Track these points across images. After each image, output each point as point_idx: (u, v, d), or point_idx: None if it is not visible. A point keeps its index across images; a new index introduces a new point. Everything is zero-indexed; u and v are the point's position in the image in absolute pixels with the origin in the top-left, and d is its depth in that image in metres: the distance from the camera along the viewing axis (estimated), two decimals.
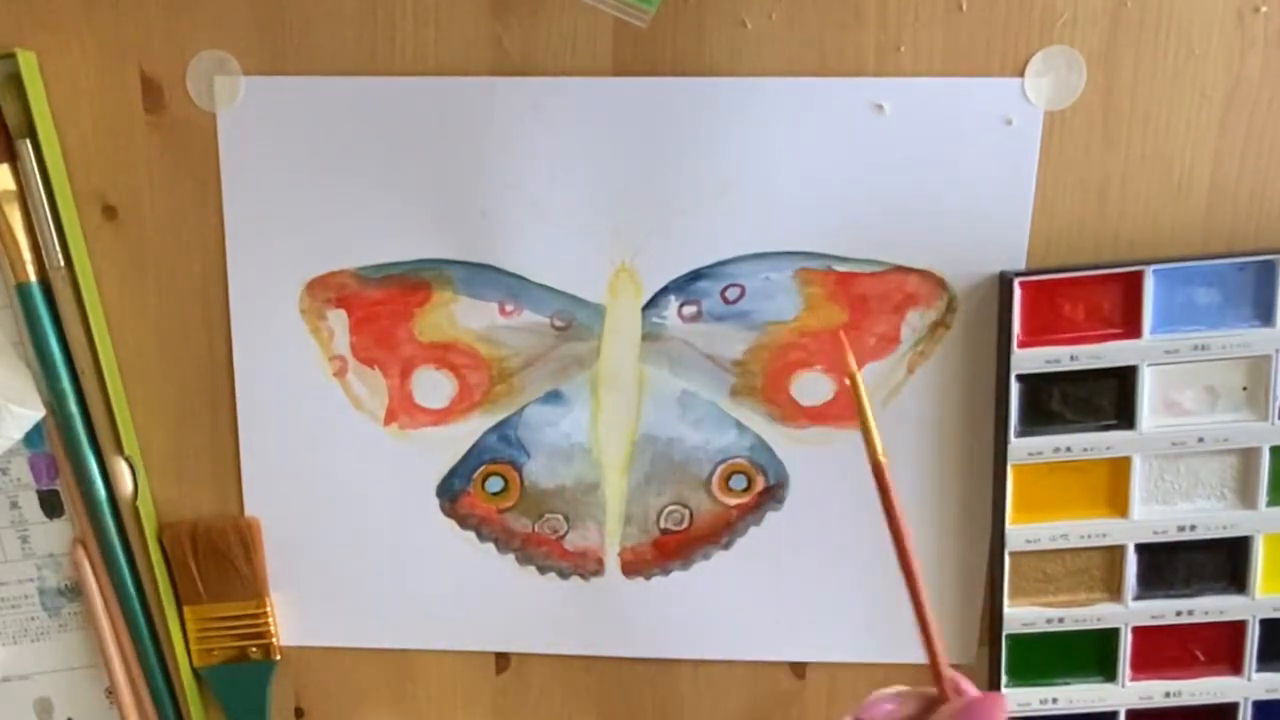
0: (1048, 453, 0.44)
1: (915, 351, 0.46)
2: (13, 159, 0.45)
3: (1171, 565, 0.46)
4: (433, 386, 0.47)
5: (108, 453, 0.48)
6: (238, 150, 0.45)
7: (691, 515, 0.48)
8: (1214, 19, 0.41)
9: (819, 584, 0.48)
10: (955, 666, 0.49)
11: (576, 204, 0.45)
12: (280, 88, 0.45)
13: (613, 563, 0.49)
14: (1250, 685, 0.46)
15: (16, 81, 0.44)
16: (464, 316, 0.47)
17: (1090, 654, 0.47)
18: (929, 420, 0.46)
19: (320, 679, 0.52)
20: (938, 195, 0.44)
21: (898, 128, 0.43)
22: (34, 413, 0.47)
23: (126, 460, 0.48)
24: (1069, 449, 0.44)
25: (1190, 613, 0.45)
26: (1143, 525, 0.45)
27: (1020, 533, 0.45)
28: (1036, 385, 0.44)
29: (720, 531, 0.48)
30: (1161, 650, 0.46)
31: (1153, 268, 0.42)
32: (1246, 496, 0.45)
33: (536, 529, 0.49)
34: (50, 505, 0.49)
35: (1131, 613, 0.46)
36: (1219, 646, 0.46)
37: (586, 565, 0.49)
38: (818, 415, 0.47)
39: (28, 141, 0.44)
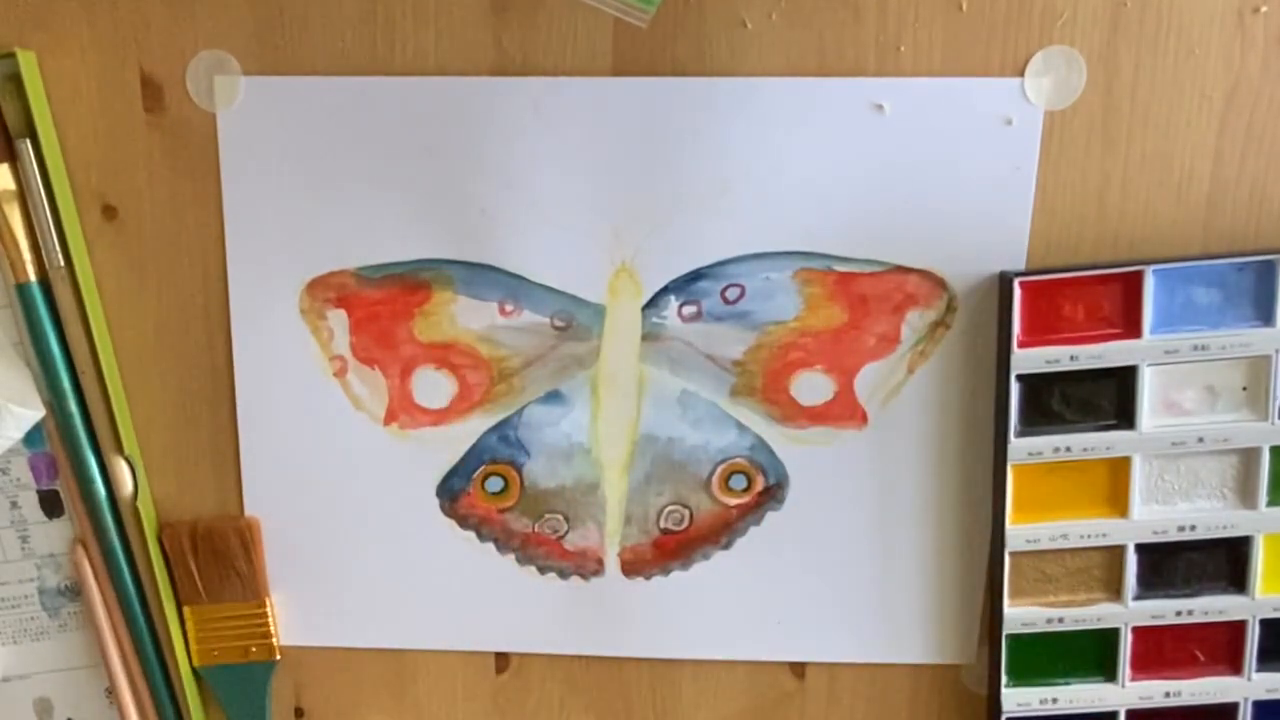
0: (1048, 453, 0.44)
1: (915, 351, 0.46)
2: (13, 159, 0.45)
3: (1171, 565, 0.46)
4: (433, 386, 0.47)
5: (108, 453, 0.48)
6: (238, 150, 0.45)
7: (691, 515, 0.48)
8: (1214, 19, 0.41)
9: (819, 584, 0.48)
10: (955, 667, 0.49)
11: (576, 204, 0.45)
12: (280, 88, 0.45)
13: (613, 563, 0.49)
14: (1250, 685, 0.46)
15: (16, 81, 0.44)
16: (464, 316, 0.47)
17: (1090, 654, 0.47)
18: (929, 420, 0.46)
19: (320, 679, 0.52)
20: (938, 195, 0.44)
21: (898, 128, 0.43)
22: (34, 413, 0.47)
23: (126, 460, 0.48)
24: (1069, 449, 0.44)
25: (1190, 613, 0.45)
26: (1143, 525, 0.45)
27: (1020, 533, 0.45)
28: (1036, 385, 0.44)
29: (720, 531, 0.48)
30: (1161, 650, 0.46)
31: (1153, 268, 0.42)
32: (1246, 496, 0.45)
33: (536, 529, 0.49)
34: (50, 505, 0.49)
35: (1131, 613, 0.46)
36: (1219, 646, 0.46)
37: (586, 565, 0.49)
38: (818, 415, 0.47)
39: (28, 141, 0.45)
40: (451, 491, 0.48)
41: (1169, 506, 0.45)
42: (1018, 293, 0.43)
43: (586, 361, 0.47)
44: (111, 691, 0.51)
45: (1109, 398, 0.44)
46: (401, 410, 0.48)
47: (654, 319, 0.46)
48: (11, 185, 0.45)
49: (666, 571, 0.49)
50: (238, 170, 0.46)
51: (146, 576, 0.49)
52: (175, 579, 0.50)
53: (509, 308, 0.46)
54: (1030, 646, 0.47)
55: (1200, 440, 0.44)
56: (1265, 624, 0.45)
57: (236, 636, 0.50)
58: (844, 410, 0.46)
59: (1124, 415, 0.44)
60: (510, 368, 0.47)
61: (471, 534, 0.49)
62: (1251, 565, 0.45)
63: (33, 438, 0.48)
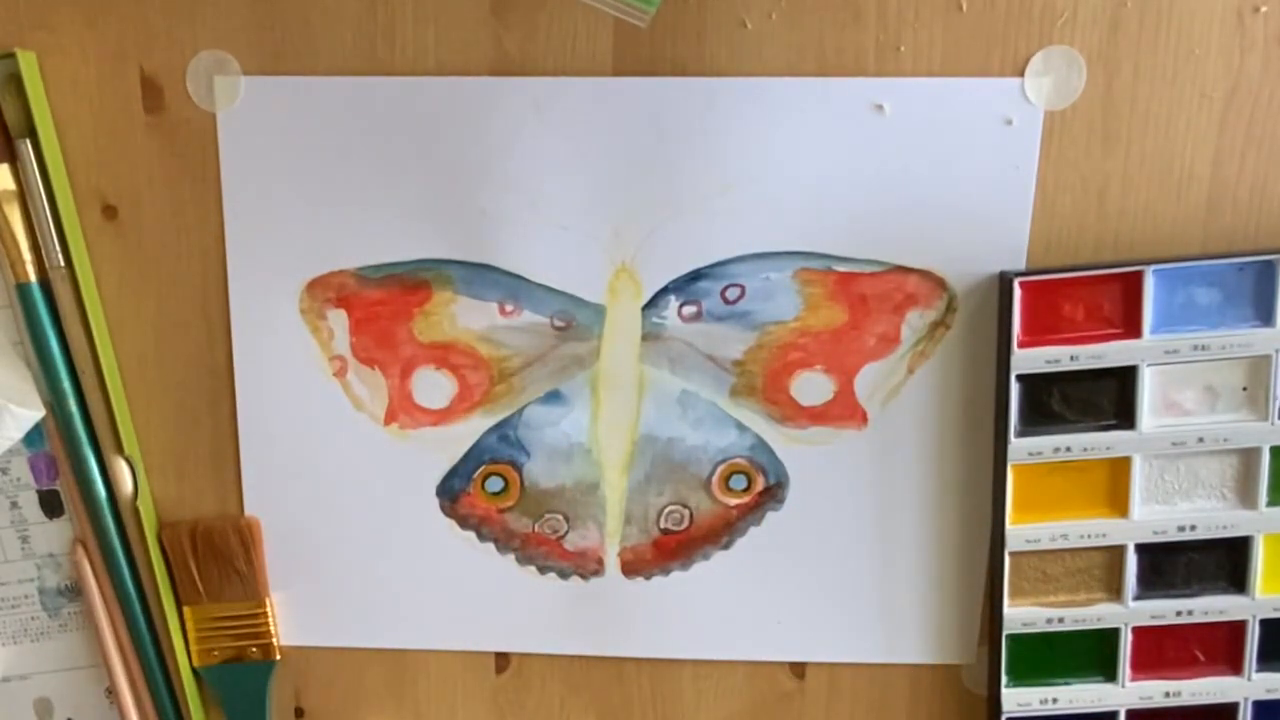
0: (1048, 453, 0.44)
1: (915, 351, 0.46)
2: (13, 159, 0.45)
3: (1171, 565, 0.46)
4: (433, 386, 0.47)
5: (108, 453, 0.48)
6: (238, 150, 0.45)
7: (691, 515, 0.48)
8: (1214, 19, 0.41)
9: (819, 584, 0.48)
10: (955, 667, 0.49)
11: (576, 204, 0.45)
12: (280, 88, 0.45)
13: (613, 563, 0.49)
14: (1250, 685, 0.46)
15: (16, 81, 0.44)
16: (464, 316, 0.47)
17: (1090, 654, 0.47)
18: (929, 420, 0.46)
19: (320, 679, 0.52)
20: (938, 195, 0.44)
21: (898, 128, 0.43)
22: (34, 413, 0.47)
23: (126, 460, 0.48)
24: (1069, 449, 0.44)
25: (1190, 613, 0.45)
26: (1143, 525, 0.45)
27: (1020, 533, 0.45)
28: (1036, 385, 0.44)
29: (720, 531, 0.48)
30: (1161, 650, 0.46)
31: (1153, 268, 0.42)
32: (1246, 496, 0.45)
33: (536, 529, 0.49)
34: (50, 505, 0.49)
35: (1131, 613, 0.46)
36: (1219, 646, 0.46)
37: (586, 565, 0.49)
38: (818, 415, 0.47)
39: (28, 141, 0.45)
40: (451, 491, 0.49)
41: (1169, 506, 0.45)
42: (1018, 293, 0.43)
43: (586, 361, 0.47)
44: (111, 691, 0.51)
45: (1109, 398, 0.44)
46: (401, 410, 0.48)
47: (654, 319, 0.46)
48: (11, 185, 0.45)
49: (666, 571, 0.49)
50: (238, 170, 0.46)
51: (146, 576, 0.49)
52: (175, 579, 0.50)
53: (509, 308, 0.46)
54: (1030, 646, 0.47)
55: (1200, 440, 0.44)
56: (1265, 624, 0.45)
57: (236, 636, 0.50)
58: (844, 410, 0.46)
59: (1124, 415, 0.44)
60: (510, 368, 0.47)
61: (471, 534, 0.49)
62: (1251, 565, 0.45)
63: (33, 438, 0.48)
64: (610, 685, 0.51)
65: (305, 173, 0.45)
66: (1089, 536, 0.45)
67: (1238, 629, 0.46)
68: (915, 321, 0.45)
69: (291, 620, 0.50)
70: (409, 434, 0.48)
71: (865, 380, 0.46)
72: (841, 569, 0.48)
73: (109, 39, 0.45)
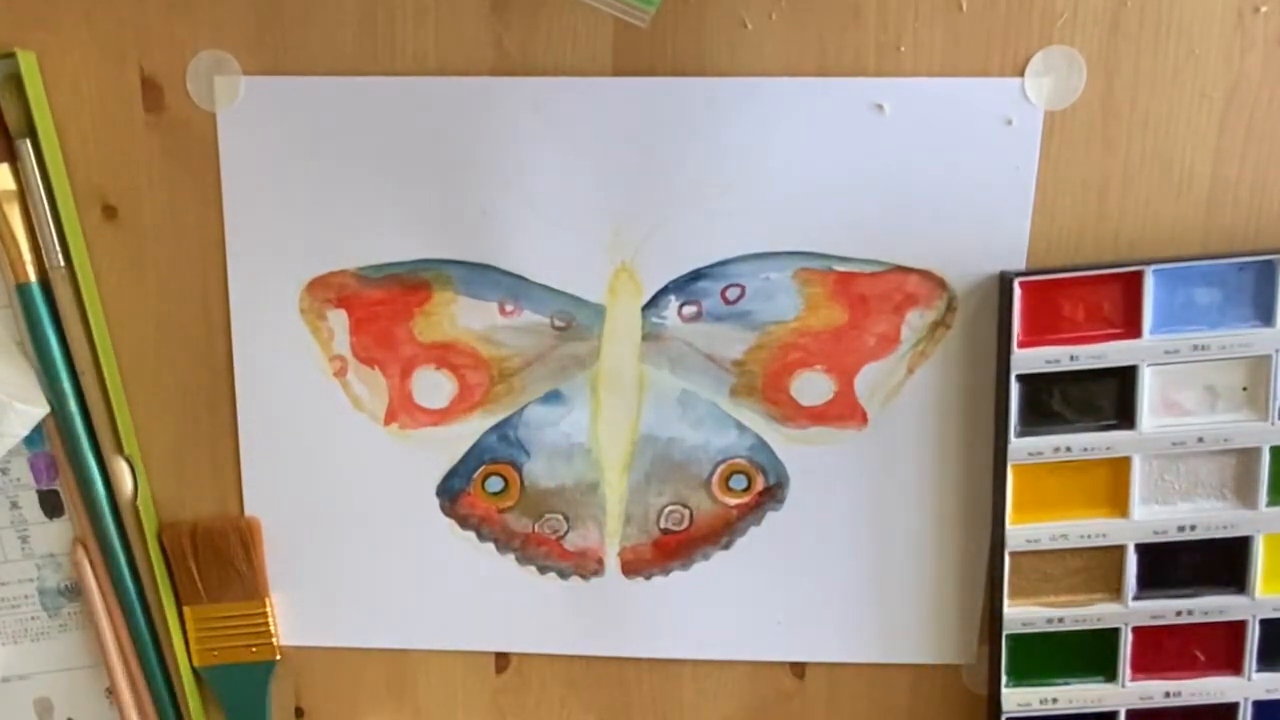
0: (1048, 453, 0.44)
1: (915, 351, 0.46)
2: (13, 159, 0.45)
3: (1171, 565, 0.46)
4: (433, 386, 0.47)
5: (108, 453, 0.48)
6: (238, 150, 0.45)
7: (691, 515, 0.48)
8: (1214, 19, 0.41)
9: (819, 584, 0.48)
10: (955, 667, 0.49)
11: (576, 204, 0.45)
12: (280, 88, 0.45)
13: (613, 563, 0.49)
14: (1250, 685, 0.46)
15: (16, 81, 0.44)
16: (464, 316, 0.47)
17: (1090, 654, 0.47)
18: (929, 420, 0.46)
19: (320, 679, 0.52)
20: (938, 195, 0.44)
21: (898, 128, 0.43)
22: (38, 409, 0.47)
23: (126, 460, 0.48)
24: (1069, 449, 0.44)
25: (1190, 613, 0.45)
26: (1143, 525, 0.45)
27: (1020, 533, 0.45)
28: (1036, 385, 0.44)
29: (720, 531, 0.48)
30: (1161, 650, 0.46)
31: (1153, 268, 0.42)
32: (1246, 496, 0.45)
33: (536, 529, 0.49)
34: (50, 505, 0.49)
35: (1131, 613, 0.46)
36: (1219, 646, 0.46)
37: (586, 565, 0.49)
38: (818, 415, 0.47)
39: (28, 141, 0.45)
40: (451, 491, 0.48)
41: (1169, 506, 0.45)
42: (1018, 293, 0.43)
43: (586, 361, 0.47)
44: (111, 691, 0.51)
45: (1109, 398, 0.44)
46: (401, 410, 0.48)
47: (654, 319, 0.46)
48: (11, 185, 0.45)
49: (666, 571, 0.49)
50: (238, 170, 0.46)
51: (146, 576, 0.49)
52: (175, 579, 0.50)
53: (509, 308, 0.46)
54: (1030, 646, 0.47)
55: (1200, 440, 0.44)
56: (1265, 624, 0.45)
57: (236, 636, 0.50)
58: (844, 410, 0.46)
59: (1124, 415, 0.44)
60: (510, 368, 0.47)
61: (471, 534, 0.49)
62: (1251, 565, 0.45)
63: (33, 438, 0.48)
64: (610, 685, 0.51)
65: (305, 173, 0.45)
66: (1089, 536, 0.45)
67: (1238, 629, 0.46)
68: (915, 321, 0.45)
69: (291, 620, 0.50)
70: (409, 434, 0.48)
71: (865, 380, 0.46)
72: (841, 569, 0.48)
73: (109, 39, 0.45)
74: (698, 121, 0.44)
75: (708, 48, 0.43)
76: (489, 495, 0.48)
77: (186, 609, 0.50)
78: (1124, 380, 0.44)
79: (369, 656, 0.51)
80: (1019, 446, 0.44)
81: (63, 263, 0.46)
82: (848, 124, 0.43)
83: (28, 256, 0.46)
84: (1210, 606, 0.45)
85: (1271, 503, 0.44)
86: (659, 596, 0.49)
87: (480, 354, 0.47)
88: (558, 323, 0.46)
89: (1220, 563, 0.46)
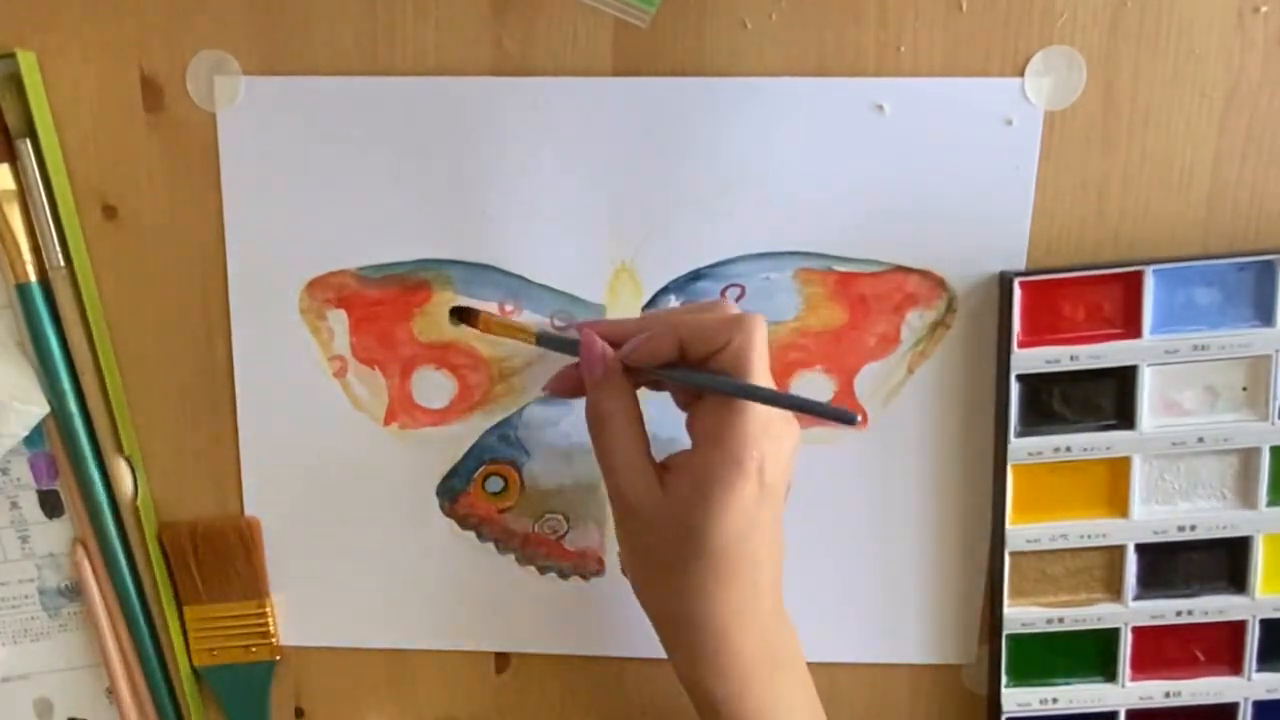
0: (1048, 453, 0.44)
1: (915, 351, 0.46)
2: (13, 159, 0.45)
3: (1171, 565, 0.46)
4: (433, 386, 0.47)
5: (108, 453, 0.48)
6: (238, 150, 0.45)
7: None
8: (1214, 19, 0.41)
9: (819, 584, 0.48)
10: (955, 667, 0.49)
11: (576, 204, 0.45)
12: (280, 88, 0.45)
13: (613, 563, 0.49)
14: (1250, 685, 0.46)
15: (16, 81, 0.44)
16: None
17: (1090, 654, 0.47)
18: (929, 420, 0.46)
19: (320, 679, 0.52)
20: (938, 195, 0.44)
21: (898, 128, 0.43)
22: (38, 409, 0.47)
23: (126, 460, 0.48)
24: (1069, 449, 0.44)
25: (1190, 613, 0.45)
26: (1143, 525, 0.45)
27: (1020, 533, 0.45)
28: (1036, 385, 0.44)
29: None
30: (1161, 650, 0.46)
31: (1153, 268, 0.42)
32: (1246, 496, 0.45)
33: (536, 529, 0.49)
34: (50, 505, 0.49)
35: (1131, 613, 0.46)
36: (1219, 646, 0.46)
37: (586, 565, 0.49)
38: None
39: (28, 141, 0.45)
40: (451, 491, 0.48)
41: (1169, 506, 0.45)
42: (1018, 293, 0.43)
43: None
44: (111, 691, 0.51)
45: (1109, 398, 0.44)
46: (401, 410, 0.48)
47: None
48: (11, 185, 0.45)
49: None
50: (238, 170, 0.46)
51: (146, 576, 0.49)
52: (175, 579, 0.50)
53: (509, 308, 0.46)
54: (1030, 646, 0.47)
55: (1200, 440, 0.44)
56: (1265, 624, 0.45)
57: (236, 636, 0.50)
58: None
59: (1124, 415, 0.44)
60: (510, 368, 0.47)
61: (471, 534, 0.49)
62: (1251, 565, 0.45)
63: (33, 438, 0.48)
64: (610, 685, 0.51)
65: (305, 173, 0.45)
66: (1089, 536, 0.45)
67: (1238, 629, 0.46)
68: (915, 321, 0.45)
69: (291, 620, 0.50)
70: (409, 434, 0.48)
71: (865, 380, 0.46)
72: (841, 569, 0.48)
73: (109, 39, 0.45)
74: (698, 121, 0.44)
75: (708, 48, 0.43)
76: (489, 495, 0.48)
77: (186, 609, 0.50)
78: (1124, 380, 0.44)
79: (369, 656, 0.51)
80: (1019, 446, 0.44)
81: (63, 263, 0.46)
82: (848, 124, 0.43)
83: (28, 256, 0.46)
84: (1210, 606, 0.45)
85: (1271, 503, 0.44)
86: None
87: (480, 354, 0.47)
88: (558, 323, 0.46)
89: (1220, 563, 0.46)
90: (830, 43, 0.43)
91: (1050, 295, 0.43)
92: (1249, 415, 0.44)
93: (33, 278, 0.46)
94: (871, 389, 0.46)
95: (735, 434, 0.35)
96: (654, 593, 0.39)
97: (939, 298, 0.45)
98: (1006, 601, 0.46)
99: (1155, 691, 0.46)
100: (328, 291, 0.47)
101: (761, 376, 0.36)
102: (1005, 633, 0.46)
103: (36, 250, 0.46)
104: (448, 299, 0.46)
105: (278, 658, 0.51)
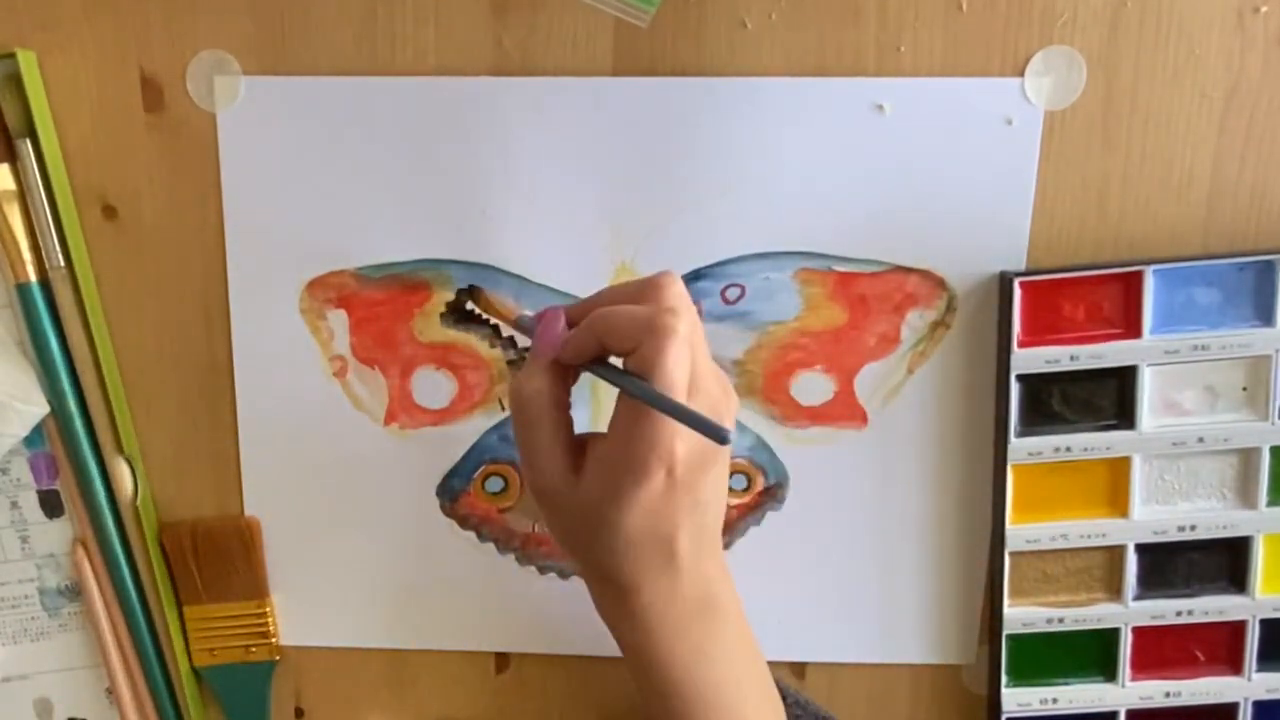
0: (1048, 453, 0.44)
1: (915, 351, 0.46)
2: (13, 159, 0.45)
3: (1171, 565, 0.46)
4: (433, 386, 0.47)
5: (108, 453, 0.48)
6: (238, 150, 0.45)
7: None
8: (1214, 19, 0.41)
9: (819, 584, 0.48)
10: (955, 667, 0.49)
11: (576, 204, 0.45)
12: (280, 88, 0.45)
13: None
14: (1250, 685, 0.46)
15: (16, 81, 0.44)
16: (464, 316, 0.47)
17: (1090, 654, 0.47)
18: (929, 420, 0.46)
19: (320, 679, 0.52)
20: (938, 195, 0.44)
21: (898, 128, 0.43)
22: (39, 409, 0.47)
23: (126, 460, 0.48)
24: (1069, 449, 0.44)
25: (1190, 613, 0.45)
26: (1143, 525, 0.45)
27: (1020, 533, 0.45)
28: (1036, 385, 0.44)
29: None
30: (1161, 650, 0.46)
31: (1153, 268, 0.42)
32: (1246, 496, 0.45)
33: (536, 529, 0.49)
34: (50, 505, 0.49)
35: (1131, 613, 0.46)
36: (1219, 646, 0.46)
37: None
38: (818, 415, 0.47)
39: (28, 141, 0.45)
40: (451, 491, 0.48)
41: (1169, 506, 0.45)
42: (1018, 293, 0.43)
43: None
44: (111, 691, 0.51)
45: (1109, 398, 0.44)
46: (401, 410, 0.48)
47: None
48: (11, 185, 0.45)
49: None
50: (238, 170, 0.46)
51: (146, 576, 0.49)
52: (175, 579, 0.50)
53: (509, 307, 0.46)
54: (1030, 646, 0.47)
55: (1200, 440, 0.44)
56: (1265, 624, 0.45)
57: (236, 636, 0.50)
58: (844, 410, 0.46)
59: (1124, 415, 0.44)
60: (510, 368, 0.47)
61: (471, 534, 0.49)
62: (1251, 565, 0.45)
63: (33, 438, 0.48)
64: (610, 685, 0.51)
65: (305, 173, 0.45)
66: (1089, 536, 0.45)
67: (1238, 629, 0.46)
68: (915, 321, 0.45)
69: (291, 620, 0.50)
70: (409, 434, 0.48)
71: (865, 380, 0.46)
72: (841, 569, 0.48)
73: (109, 39, 0.45)
74: (698, 121, 0.44)
75: (708, 48, 0.43)
76: (489, 495, 0.48)
77: (186, 609, 0.50)
78: (1124, 380, 0.44)
79: (369, 656, 0.51)
80: (1019, 446, 0.44)
81: (63, 263, 0.46)
82: (848, 124, 0.43)
83: (28, 256, 0.46)
84: (1210, 606, 0.45)
85: (1271, 503, 0.44)
86: None
87: (480, 354, 0.47)
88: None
89: (1220, 563, 0.46)
90: (830, 43, 0.43)
91: (1050, 295, 0.43)
92: (1249, 415, 0.44)
93: (33, 278, 0.46)
94: (871, 389, 0.46)
95: (645, 433, 0.35)
96: (574, 556, 0.42)
97: (939, 298, 0.45)
98: (1006, 601, 0.46)
99: (1155, 691, 0.46)
100: (328, 291, 0.47)
101: (668, 379, 0.35)
102: (1005, 633, 0.46)
103: (36, 250, 0.46)
104: (448, 299, 0.46)
105: (277, 658, 0.51)
